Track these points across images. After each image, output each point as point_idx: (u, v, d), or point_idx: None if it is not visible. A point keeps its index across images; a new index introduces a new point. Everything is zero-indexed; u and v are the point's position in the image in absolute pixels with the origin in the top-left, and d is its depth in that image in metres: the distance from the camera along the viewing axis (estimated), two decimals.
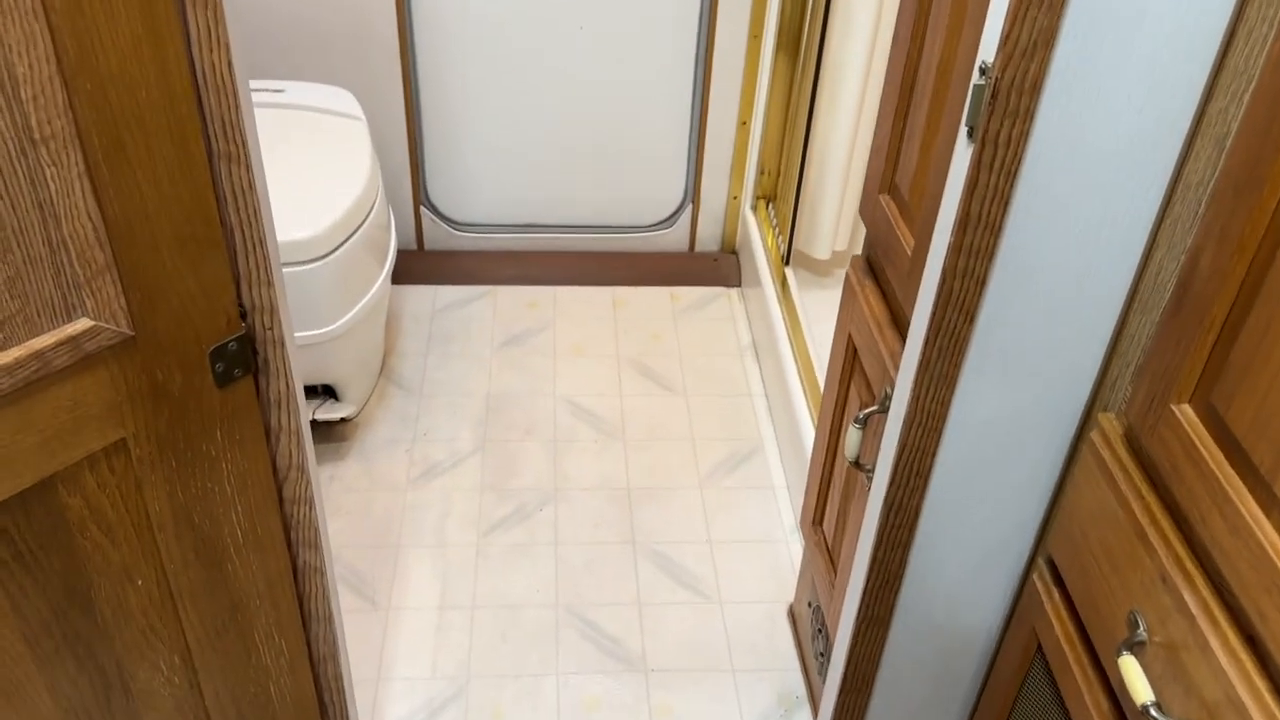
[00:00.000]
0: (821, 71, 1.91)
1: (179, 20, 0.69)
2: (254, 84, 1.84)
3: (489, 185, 2.21)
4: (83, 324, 0.73)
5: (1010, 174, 0.83)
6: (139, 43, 0.68)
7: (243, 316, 0.84)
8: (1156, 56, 0.77)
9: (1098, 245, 0.87)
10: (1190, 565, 0.75)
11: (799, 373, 1.86)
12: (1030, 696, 1.03)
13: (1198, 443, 0.74)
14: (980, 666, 1.18)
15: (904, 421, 0.96)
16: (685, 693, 1.46)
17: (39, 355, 0.71)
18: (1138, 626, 0.79)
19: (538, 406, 1.92)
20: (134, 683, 0.91)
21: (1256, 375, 0.68)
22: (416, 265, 2.22)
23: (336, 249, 1.56)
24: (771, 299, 2.05)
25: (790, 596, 1.61)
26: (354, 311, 1.64)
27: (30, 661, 0.82)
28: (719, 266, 2.30)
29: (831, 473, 1.29)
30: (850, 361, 1.20)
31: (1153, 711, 0.74)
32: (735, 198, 2.27)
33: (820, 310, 2.03)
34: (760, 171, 2.21)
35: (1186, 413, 0.76)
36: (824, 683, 1.28)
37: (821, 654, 1.37)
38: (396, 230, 2.23)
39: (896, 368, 1.05)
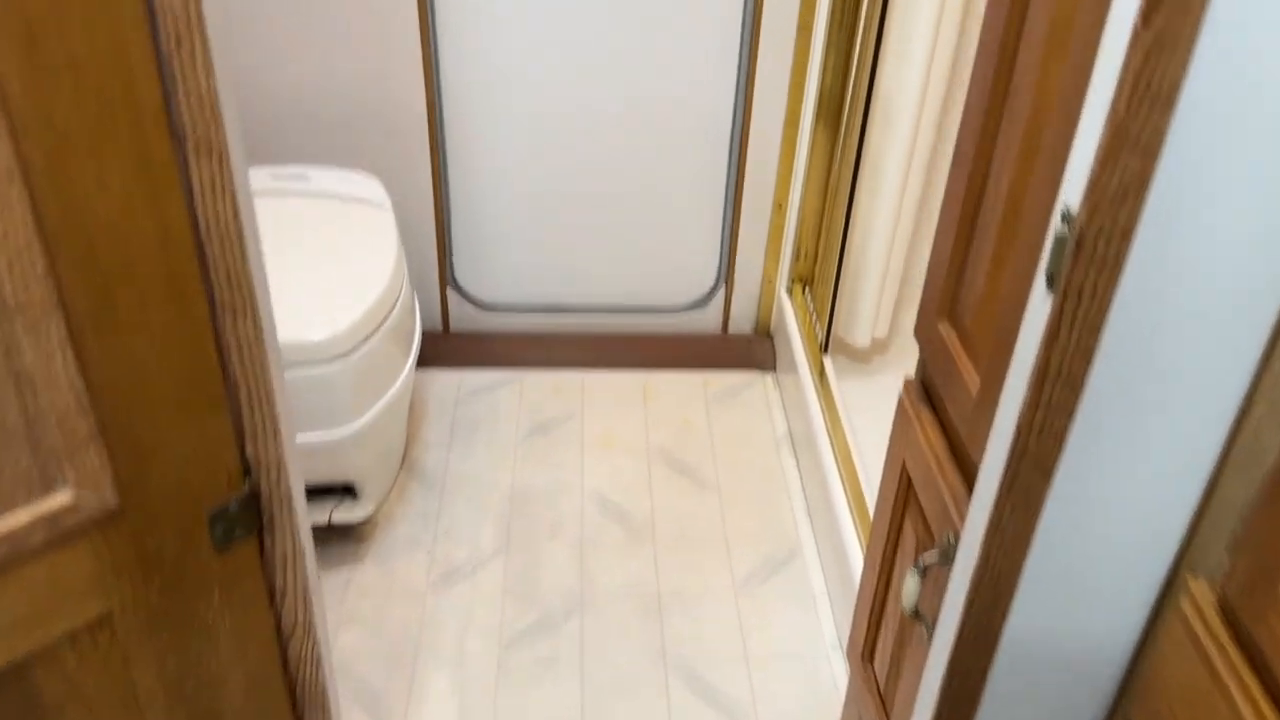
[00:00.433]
0: (863, 156, 1.84)
1: (179, 174, 0.62)
2: (277, 171, 1.80)
3: (517, 266, 2.15)
4: (63, 498, 0.66)
5: (1095, 327, 0.74)
6: (132, 200, 0.61)
7: (246, 473, 0.77)
8: (1260, 201, 0.69)
9: (1188, 400, 0.78)
10: None
11: (839, 469, 1.77)
12: None
13: None
14: None
15: (972, 581, 0.87)
16: None
17: (10, 537, 0.64)
18: None
19: (564, 503, 1.83)
20: None
21: None
22: (442, 348, 2.16)
23: (356, 348, 1.50)
24: (809, 388, 1.96)
25: None
26: (374, 411, 1.57)
27: None
28: (753, 350, 2.22)
29: (883, 610, 1.19)
30: (904, 492, 1.11)
31: None
32: (770, 280, 2.19)
33: (860, 400, 1.95)
34: (797, 255, 2.13)
35: None
36: None
37: None
38: (422, 312, 2.17)
39: (960, 511, 0.96)
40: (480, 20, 1.85)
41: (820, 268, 2.10)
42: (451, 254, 2.12)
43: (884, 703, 1.19)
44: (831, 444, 1.83)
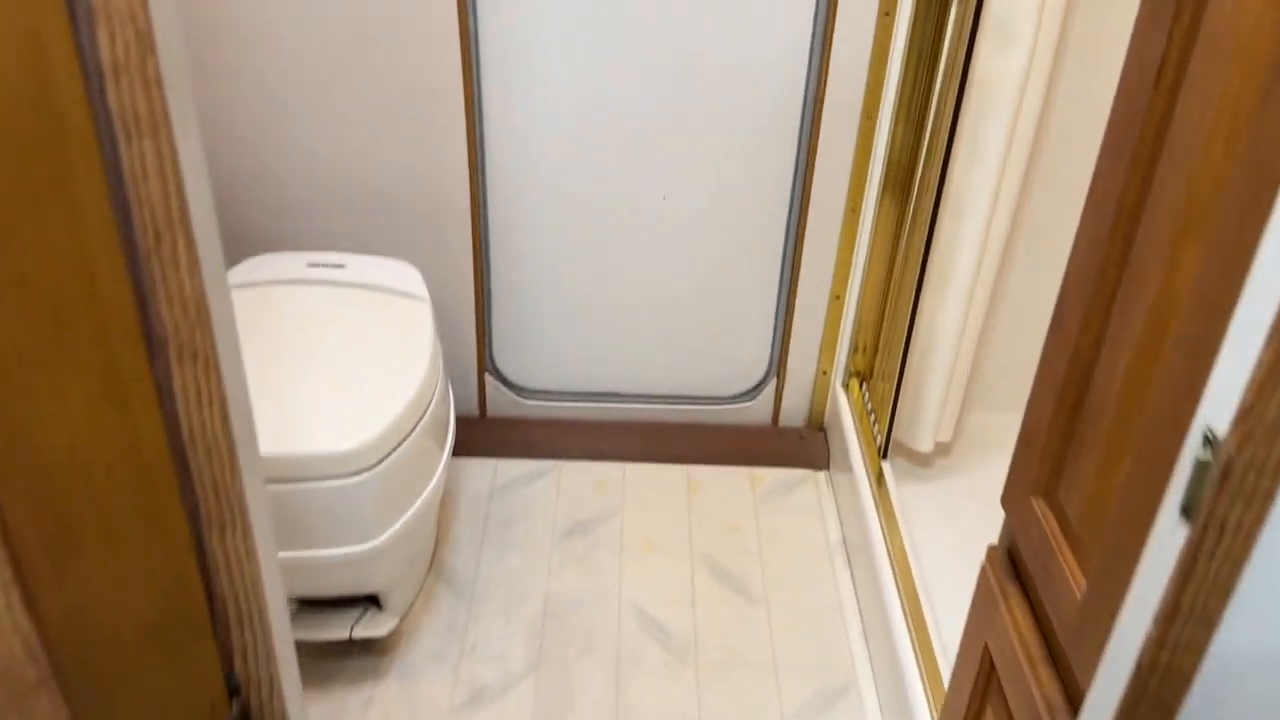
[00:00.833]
0: (931, 249, 1.72)
1: (155, 382, 0.53)
2: (314, 258, 1.72)
3: (558, 351, 2.05)
4: None
5: (1237, 563, 0.62)
6: (96, 414, 0.52)
7: (234, 692, 0.67)
8: None
9: None
10: None
11: (897, 587, 1.64)
12: None
13: None
14: None
15: None
16: None
17: None
18: None
19: (601, 615, 1.72)
20: None
21: None
22: (478, 435, 2.06)
23: (384, 459, 1.40)
24: (864, 492, 1.84)
25: None
26: (402, 522, 1.47)
27: None
28: (805, 446, 2.10)
29: None
30: (986, 677, 0.98)
31: None
32: (825, 373, 2.07)
33: (920, 507, 1.81)
34: (854, 348, 2.01)
35: None
36: None
37: None
38: (458, 397, 2.08)
39: None
40: (527, 108, 1.77)
41: (880, 363, 1.98)
42: (491, 338, 2.03)
43: None
44: (889, 557, 1.70)
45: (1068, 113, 1.72)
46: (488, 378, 2.07)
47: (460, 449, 2.04)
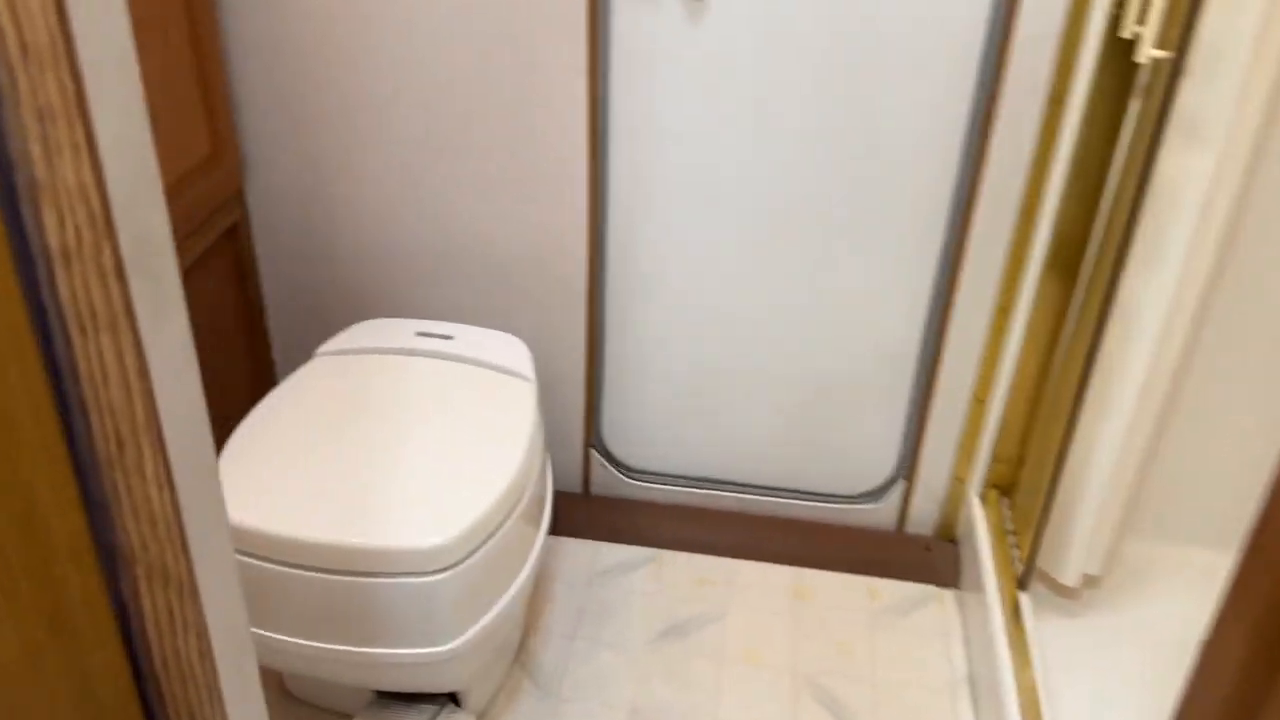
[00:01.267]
0: (1094, 361, 1.53)
1: (109, 606, 0.43)
2: (423, 327, 1.66)
3: (669, 432, 1.93)
4: None
5: None
6: (35, 649, 0.42)
7: None
8: None
9: None
10: None
11: None
12: None
13: None
14: None
15: None
16: None
17: None
18: None
19: None
20: None
21: None
22: (580, 514, 1.96)
23: (467, 557, 1.31)
24: (997, 623, 1.64)
25: None
26: (483, 623, 1.38)
27: None
28: (932, 558, 1.91)
29: None
30: None
31: None
32: (961, 480, 1.88)
33: (1060, 647, 1.60)
34: (996, 457, 1.82)
35: None
36: None
37: None
38: (562, 472, 1.99)
39: None
40: (654, 184, 1.67)
41: (1025, 477, 1.78)
42: (600, 414, 1.93)
43: None
44: (1020, 703, 1.50)
45: (1262, 219, 1.51)
46: (593, 454, 1.97)
47: (561, 527, 1.94)
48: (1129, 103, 1.37)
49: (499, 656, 1.59)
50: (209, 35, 1.55)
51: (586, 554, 1.91)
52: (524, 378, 1.58)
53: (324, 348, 1.62)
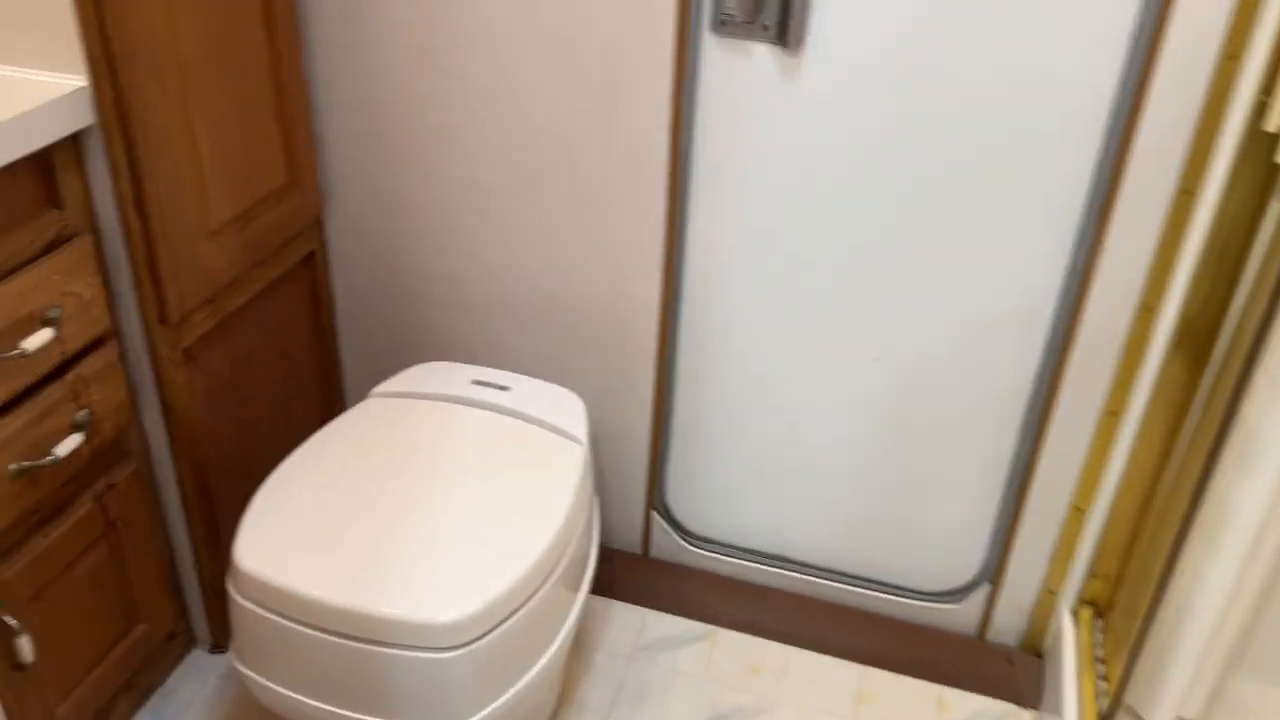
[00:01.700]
0: (1207, 491, 1.35)
1: None
2: (480, 375, 1.61)
3: (737, 501, 1.82)
4: None
5: None
6: None
7: None
8: None
9: None
10: None
11: None
12: None
13: None
14: None
15: None
16: None
17: None
18: None
19: None
20: None
21: None
22: (635, 577, 1.87)
23: (484, 635, 1.23)
24: None
25: None
26: (502, 701, 1.30)
27: None
28: (1014, 674, 1.73)
29: None
30: None
31: None
32: (1052, 592, 1.71)
33: None
34: (1092, 572, 1.64)
35: None
36: None
37: None
38: (621, 533, 1.90)
39: None
40: (734, 241, 1.57)
41: (1123, 598, 1.60)
42: (665, 475, 1.84)
43: None
44: None
45: None
46: (655, 515, 1.87)
47: (611, 588, 1.85)
48: (1271, 203, 1.20)
49: None
50: (291, 70, 1.54)
51: (635, 622, 1.81)
52: (576, 440, 1.50)
53: (379, 388, 1.58)
